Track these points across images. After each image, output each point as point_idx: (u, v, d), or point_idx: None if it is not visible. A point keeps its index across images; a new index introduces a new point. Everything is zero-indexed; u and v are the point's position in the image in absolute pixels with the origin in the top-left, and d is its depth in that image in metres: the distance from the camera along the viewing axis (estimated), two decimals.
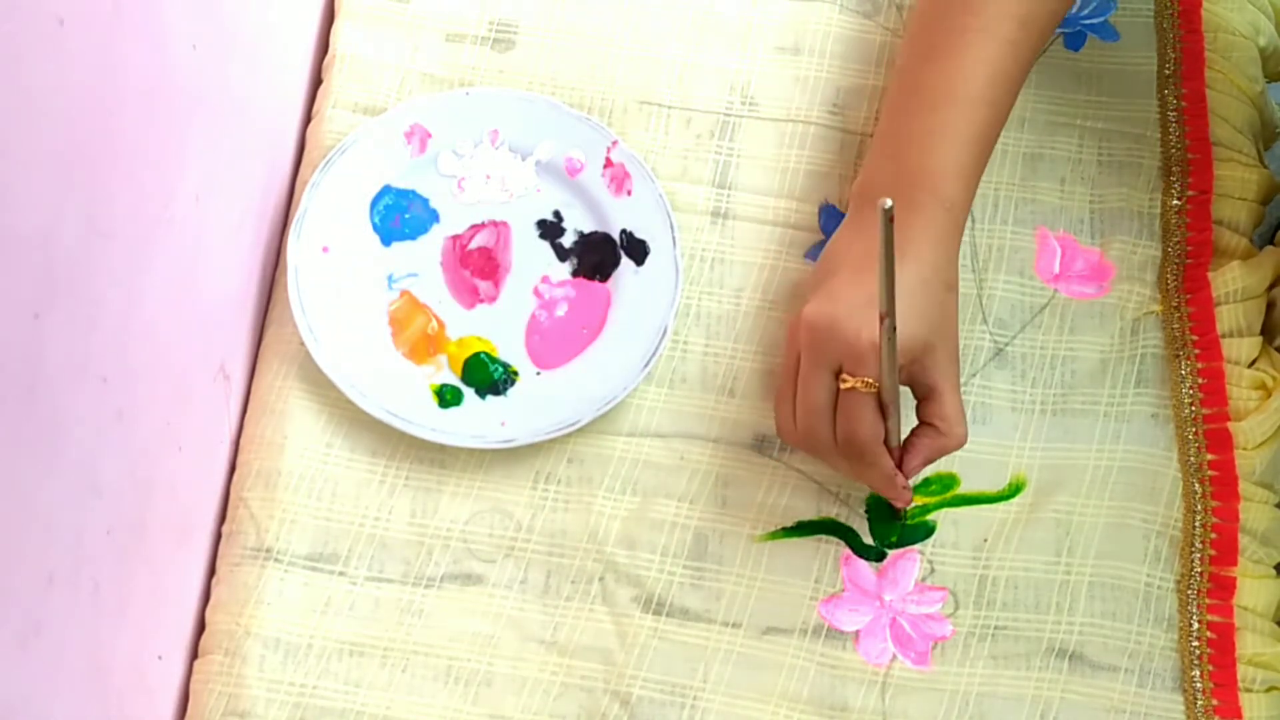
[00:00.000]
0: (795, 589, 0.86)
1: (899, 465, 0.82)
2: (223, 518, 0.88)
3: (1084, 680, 0.84)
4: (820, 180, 0.94)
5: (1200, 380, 0.89)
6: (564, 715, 0.83)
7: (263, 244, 0.92)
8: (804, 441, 0.83)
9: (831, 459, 0.83)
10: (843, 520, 0.87)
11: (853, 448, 0.80)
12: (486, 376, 0.89)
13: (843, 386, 0.79)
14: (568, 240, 0.92)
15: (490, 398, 0.88)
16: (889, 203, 0.66)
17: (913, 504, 0.86)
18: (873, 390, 0.78)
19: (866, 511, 0.87)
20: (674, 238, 0.91)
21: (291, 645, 0.84)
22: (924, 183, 0.82)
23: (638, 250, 0.91)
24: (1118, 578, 0.85)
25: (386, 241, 0.92)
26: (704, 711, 0.83)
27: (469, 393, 0.88)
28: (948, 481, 0.88)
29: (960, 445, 0.82)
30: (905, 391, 0.81)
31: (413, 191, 0.93)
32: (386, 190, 0.93)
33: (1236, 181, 0.93)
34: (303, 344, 0.88)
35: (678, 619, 0.85)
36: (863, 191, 0.85)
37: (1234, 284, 0.90)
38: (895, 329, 0.74)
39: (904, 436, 0.83)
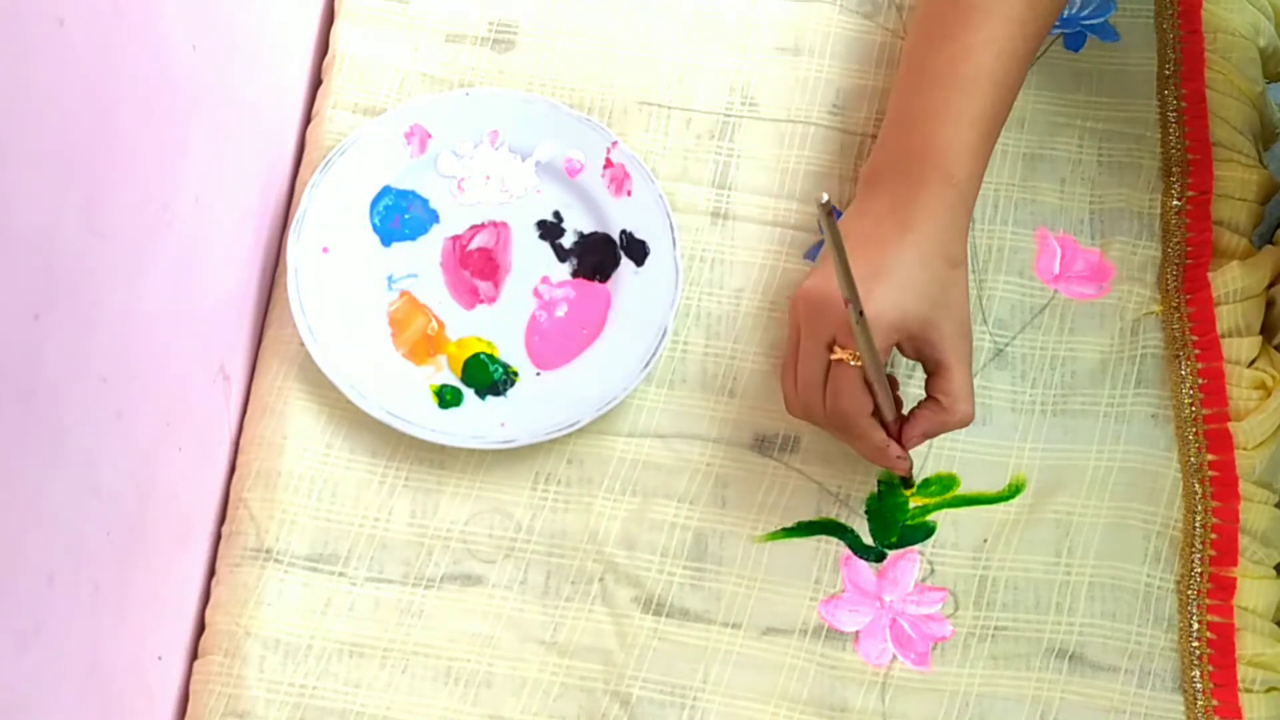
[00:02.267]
0: (795, 589, 0.86)
1: (899, 437, 0.83)
2: (223, 518, 0.88)
3: (1084, 681, 0.84)
4: (820, 180, 0.94)
5: (1200, 380, 0.89)
6: (564, 716, 0.83)
7: (263, 244, 0.91)
8: (803, 413, 0.84)
9: (829, 431, 0.84)
10: (843, 520, 0.87)
11: (839, 419, 0.82)
12: (486, 377, 0.89)
13: (831, 359, 0.80)
14: (567, 241, 0.92)
15: (490, 398, 0.88)
16: (825, 197, 0.67)
17: (912, 470, 0.86)
18: (859, 364, 0.79)
19: (866, 511, 0.87)
20: (674, 238, 0.91)
21: (291, 646, 0.84)
22: (929, 159, 0.83)
23: (638, 251, 0.91)
24: (1118, 578, 0.85)
25: (386, 242, 0.92)
26: (704, 712, 0.83)
27: (469, 393, 0.88)
28: (948, 482, 0.88)
29: (964, 423, 0.83)
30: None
31: (413, 192, 0.93)
32: (386, 191, 0.92)
33: (1236, 182, 0.93)
34: (303, 344, 0.88)
35: (678, 619, 0.85)
36: (870, 171, 0.86)
37: (1234, 284, 0.90)
38: (861, 312, 0.75)
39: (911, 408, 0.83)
